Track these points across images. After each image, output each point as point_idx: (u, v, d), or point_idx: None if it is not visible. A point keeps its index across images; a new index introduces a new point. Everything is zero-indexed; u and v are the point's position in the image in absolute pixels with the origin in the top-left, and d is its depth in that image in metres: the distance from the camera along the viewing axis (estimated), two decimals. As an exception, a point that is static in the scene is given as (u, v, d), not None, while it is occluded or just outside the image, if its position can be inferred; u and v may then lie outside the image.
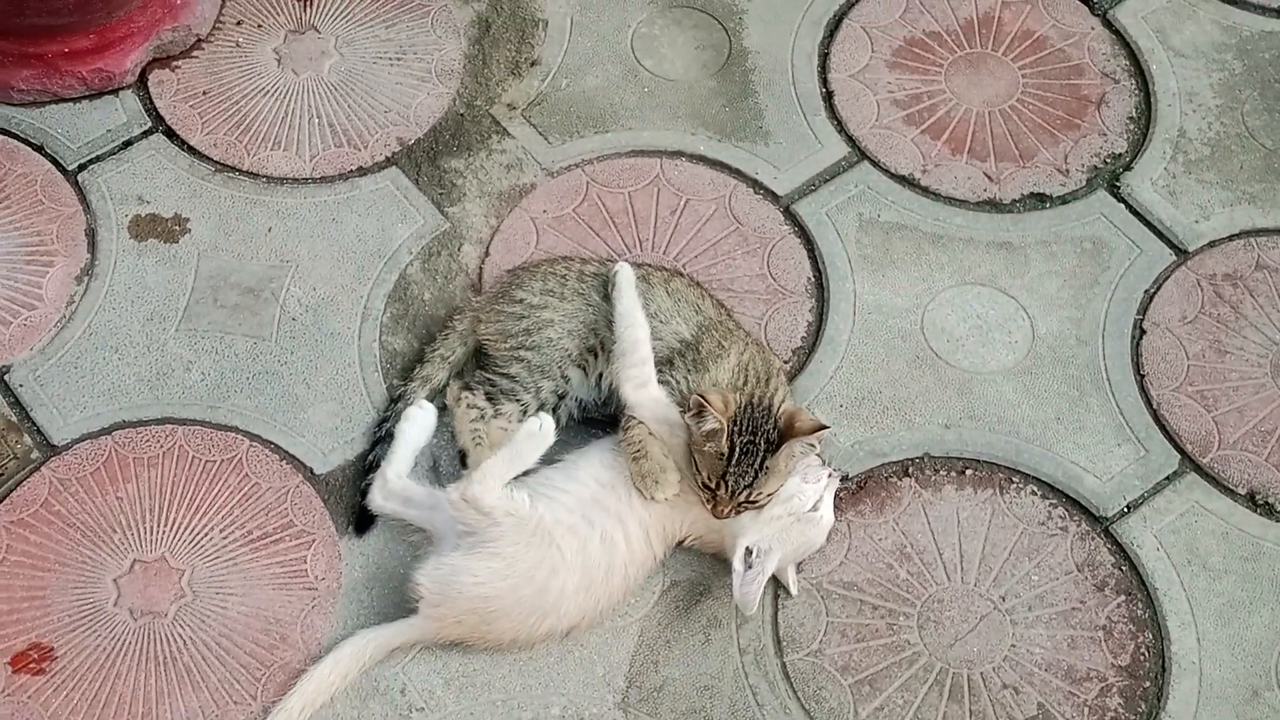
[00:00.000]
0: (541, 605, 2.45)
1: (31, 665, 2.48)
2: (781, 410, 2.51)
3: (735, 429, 2.45)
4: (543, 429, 2.49)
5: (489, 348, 2.76)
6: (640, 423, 2.57)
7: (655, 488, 2.51)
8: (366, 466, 2.68)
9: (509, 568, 2.43)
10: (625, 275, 2.69)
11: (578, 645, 2.54)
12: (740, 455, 2.45)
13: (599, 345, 2.69)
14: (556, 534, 2.46)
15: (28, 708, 2.44)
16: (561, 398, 2.70)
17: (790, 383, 2.81)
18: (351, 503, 2.66)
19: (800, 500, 2.52)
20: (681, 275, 2.84)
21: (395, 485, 2.62)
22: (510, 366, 2.70)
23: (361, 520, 2.64)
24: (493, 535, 2.44)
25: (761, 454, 2.45)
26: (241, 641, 2.52)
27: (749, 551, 2.48)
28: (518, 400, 2.67)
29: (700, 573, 2.62)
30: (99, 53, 3.09)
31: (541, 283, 2.78)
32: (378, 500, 2.62)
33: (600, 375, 2.70)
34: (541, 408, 2.67)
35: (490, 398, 2.68)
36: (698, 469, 2.50)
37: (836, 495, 2.64)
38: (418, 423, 2.70)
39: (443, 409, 2.73)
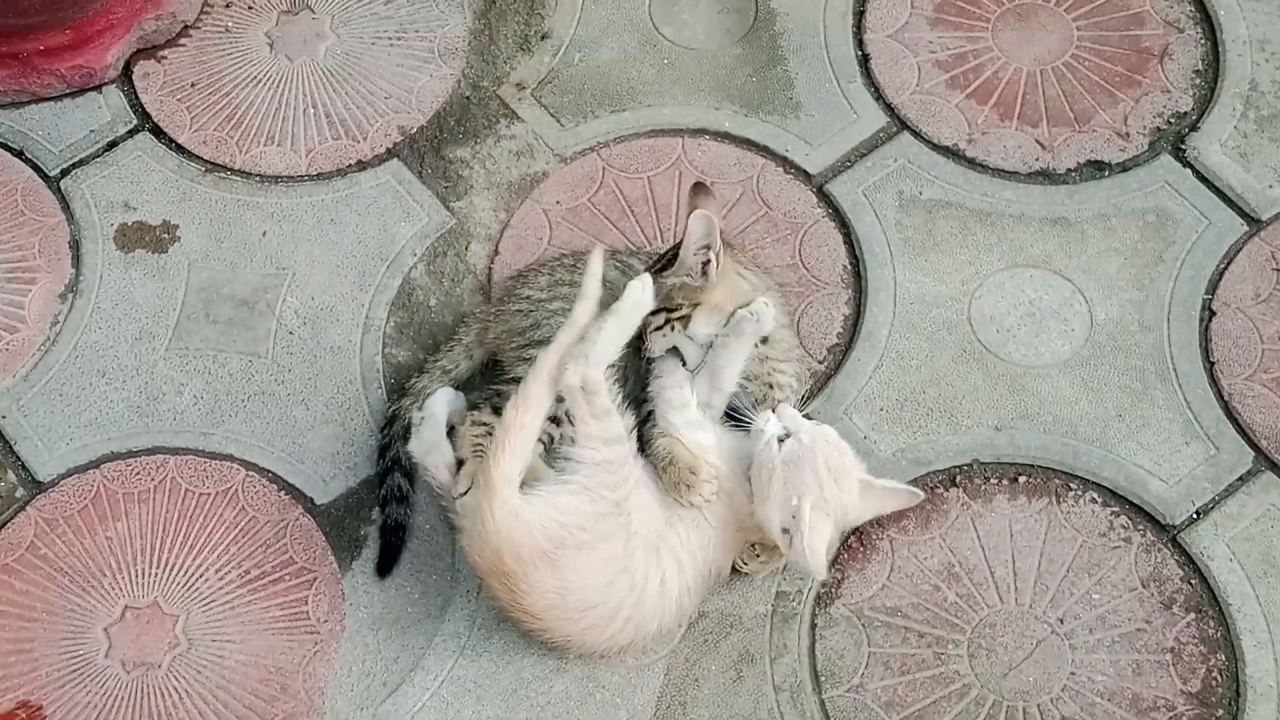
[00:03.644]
0: (612, 592, 2.25)
1: (20, 727, 2.35)
2: None
3: None
4: (645, 290, 2.28)
5: (500, 353, 2.56)
6: (663, 433, 2.37)
7: (688, 491, 2.32)
8: (382, 499, 2.49)
9: (591, 505, 2.24)
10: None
11: (598, 687, 2.36)
12: None
13: None
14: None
15: (16, 774, 2.31)
16: None
17: (826, 384, 2.61)
18: (355, 535, 2.49)
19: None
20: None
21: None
22: (517, 369, 2.48)
23: (385, 560, 2.46)
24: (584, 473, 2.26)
25: None
26: (239, 693, 2.36)
27: (784, 531, 2.27)
28: None
29: (731, 602, 2.43)
30: (78, 48, 2.90)
31: (549, 276, 2.57)
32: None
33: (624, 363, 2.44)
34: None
35: (498, 410, 2.41)
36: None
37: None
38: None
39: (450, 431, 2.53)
